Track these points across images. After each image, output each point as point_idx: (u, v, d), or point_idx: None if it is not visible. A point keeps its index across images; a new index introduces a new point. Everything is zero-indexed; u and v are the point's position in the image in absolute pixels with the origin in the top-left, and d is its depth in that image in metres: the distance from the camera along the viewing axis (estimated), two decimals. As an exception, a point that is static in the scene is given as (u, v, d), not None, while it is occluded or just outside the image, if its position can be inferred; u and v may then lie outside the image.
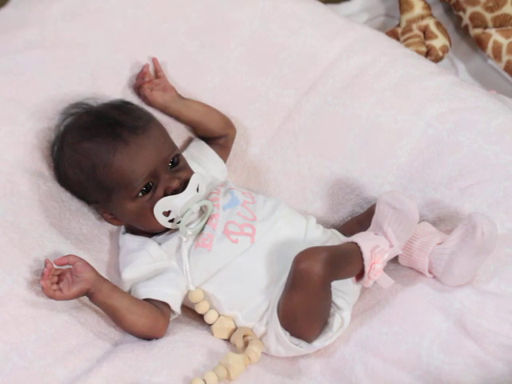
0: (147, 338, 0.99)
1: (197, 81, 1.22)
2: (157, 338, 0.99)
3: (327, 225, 1.15)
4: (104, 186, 1.02)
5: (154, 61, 1.19)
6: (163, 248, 1.05)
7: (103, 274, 1.02)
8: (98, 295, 0.96)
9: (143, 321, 0.97)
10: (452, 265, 0.96)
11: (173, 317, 1.03)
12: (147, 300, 1.00)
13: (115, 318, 0.98)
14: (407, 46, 1.42)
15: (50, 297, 0.93)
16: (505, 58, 1.43)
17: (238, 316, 1.02)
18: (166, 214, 1.02)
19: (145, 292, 1.00)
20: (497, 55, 1.44)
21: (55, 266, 0.96)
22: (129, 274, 1.02)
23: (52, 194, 1.08)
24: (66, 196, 1.09)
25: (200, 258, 1.02)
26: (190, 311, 1.06)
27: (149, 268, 1.03)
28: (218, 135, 1.19)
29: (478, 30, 1.46)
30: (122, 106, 1.08)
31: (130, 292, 1.02)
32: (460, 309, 0.95)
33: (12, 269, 0.96)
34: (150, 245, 1.05)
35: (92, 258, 1.05)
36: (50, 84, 1.13)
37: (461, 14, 1.48)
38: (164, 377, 0.91)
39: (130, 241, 1.07)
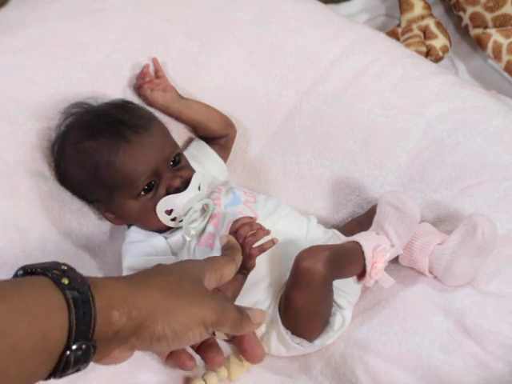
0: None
1: (197, 81, 1.21)
2: (157, 338, 0.99)
3: (328, 225, 1.15)
4: (106, 185, 1.02)
5: (154, 61, 1.19)
6: (169, 243, 1.04)
7: (104, 274, 1.02)
8: None
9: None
10: (453, 265, 0.96)
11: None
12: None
13: None
14: (407, 46, 1.42)
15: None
16: (505, 57, 1.43)
17: (238, 316, 1.02)
18: (168, 212, 1.02)
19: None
20: (497, 55, 1.44)
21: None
22: (129, 262, 1.02)
23: (52, 194, 1.07)
24: (66, 196, 1.09)
25: (203, 256, 1.01)
26: (190, 311, 1.06)
27: (151, 260, 1.01)
28: (218, 135, 1.19)
29: (478, 30, 1.46)
30: (123, 105, 1.08)
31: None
32: (460, 309, 0.95)
33: (13, 269, 0.95)
34: (157, 238, 1.04)
35: (92, 258, 1.05)
36: (49, 84, 1.12)
37: (461, 13, 1.49)
38: (164, 377, 0.91)
39: (136, 232, 1.06)
